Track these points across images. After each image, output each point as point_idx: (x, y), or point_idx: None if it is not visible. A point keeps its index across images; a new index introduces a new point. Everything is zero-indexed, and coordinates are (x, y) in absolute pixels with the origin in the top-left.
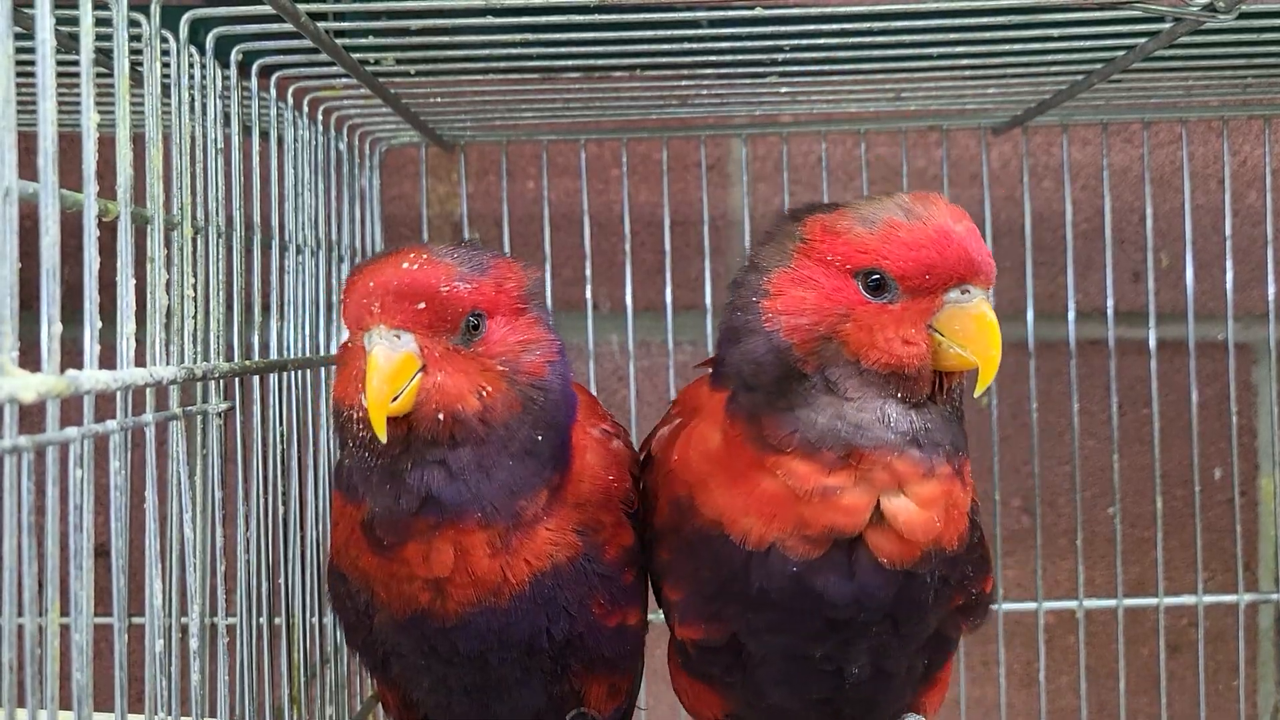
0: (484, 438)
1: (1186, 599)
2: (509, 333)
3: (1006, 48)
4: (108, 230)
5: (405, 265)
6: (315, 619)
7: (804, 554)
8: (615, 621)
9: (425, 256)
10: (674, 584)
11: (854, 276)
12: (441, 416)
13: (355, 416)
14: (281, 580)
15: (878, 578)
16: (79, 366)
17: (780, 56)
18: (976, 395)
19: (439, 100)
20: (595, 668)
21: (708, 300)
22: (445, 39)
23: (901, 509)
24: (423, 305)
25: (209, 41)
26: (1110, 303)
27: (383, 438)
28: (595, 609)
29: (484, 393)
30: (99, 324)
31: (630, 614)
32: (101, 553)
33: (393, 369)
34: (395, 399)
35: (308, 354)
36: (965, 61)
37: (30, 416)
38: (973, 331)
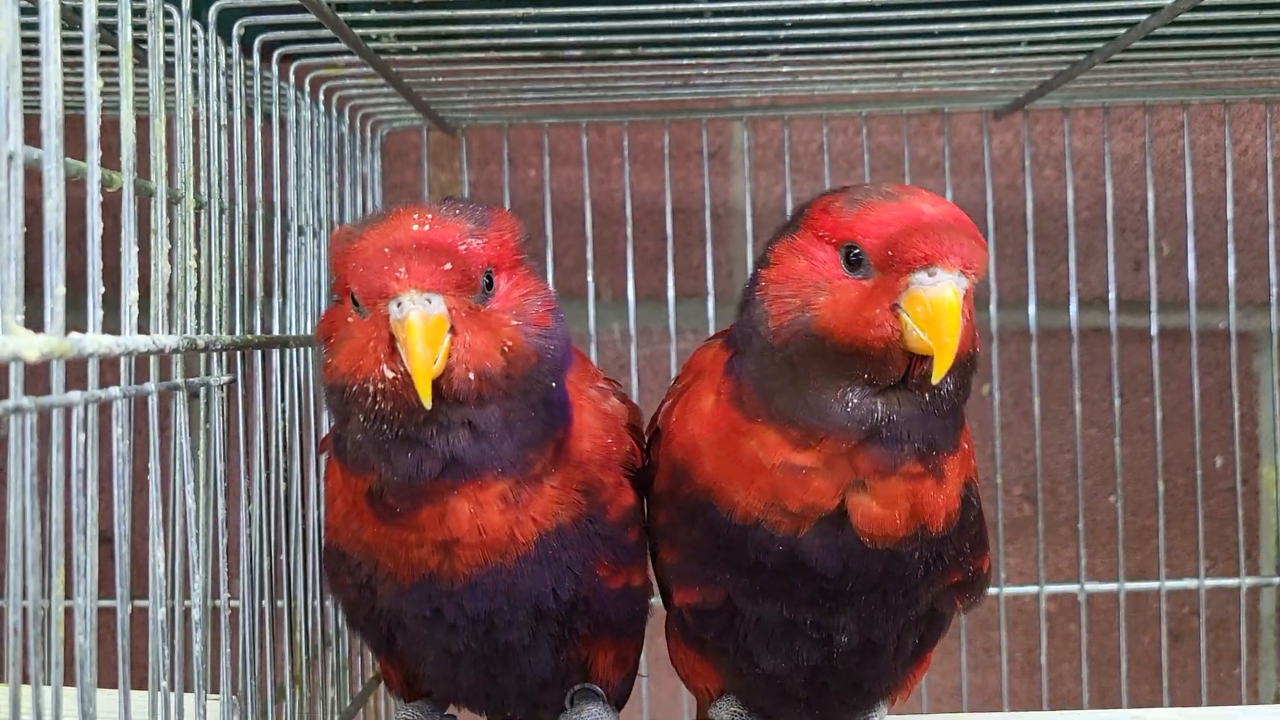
0: (509, 392)
1: (1188, 582)
2: (513, 286)
3: (1008, 24)
4: (111, 209)
5: (416, 227)
6: (317, 601)
7: (789, 530)
8: (620, 582)
9: (431, 215)
10: (670, 547)
11: (837, 251)
12: (472, 376)
13: (373, 389)
14: (284, 559)
15: (861, 555)
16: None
17: (782, 34)
18: (934, 382)
19: (440, 80)
20: (601, 632)
21: (709, 288)
22: (447, 13)
23: (862, 504)
24: (449, 265)
25: (211, 15)
26: (1112, 291)
27: (428, 404)
28: (600, 570)
29: (506, 348)
30: (102, 289)
31: (634, 574)
32: (105, 540)
33: (431, 333)
34: (435, 361)
35: (310, 333)
36: (967, 39)
37: (38, 387)
38: (929, 315)
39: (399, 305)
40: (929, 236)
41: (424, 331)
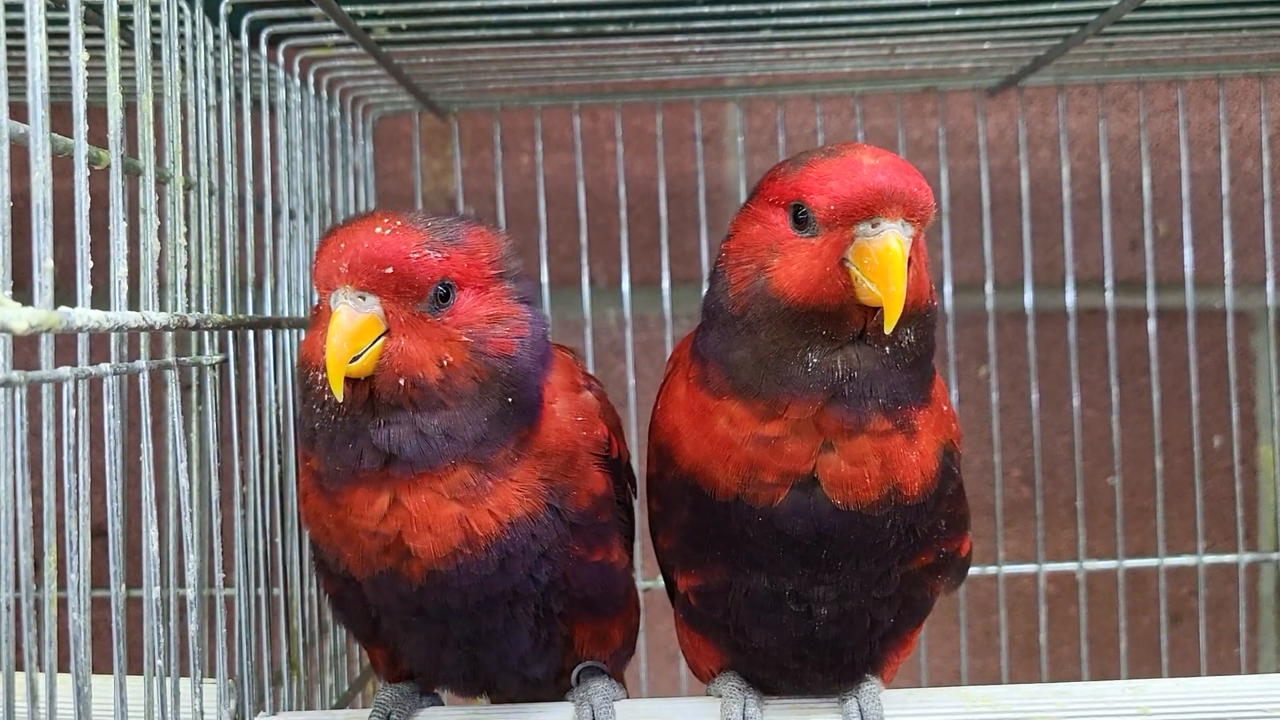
0: (445, 404)
1: (1187, 559)
2: (477, 305)
3: None
4: (100, 201)
5: (378, 230)
6: (313, 588)
7: (767, 500)
8: (599, 557)
9: (399, 222)
10: (666, 533)
11: (786, 211)
12: (402, 381)
13: (319, 376)
14: (279, 542)
15: (833, 517)
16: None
17: (773, 8)
18: (887, 332)
19: (431, 61)
20: (578, 609)
21: (704, 273)
22: None
23: (831, 464)
24: (390, 270)
25: None
26: (1108, 271)
27: (339, 396)
28: (575, 548)
29: (446, 362)
30: (90, 263)
31: (613, 550)
32: (99, 534)
33: (354, 329)
34: (355, 360)
35: (301, 315)
36: (959, 12)
37: (31, 365)
38: (874, 265)
39: (334, 298)
40: (869, 188)
41: (345, 327)
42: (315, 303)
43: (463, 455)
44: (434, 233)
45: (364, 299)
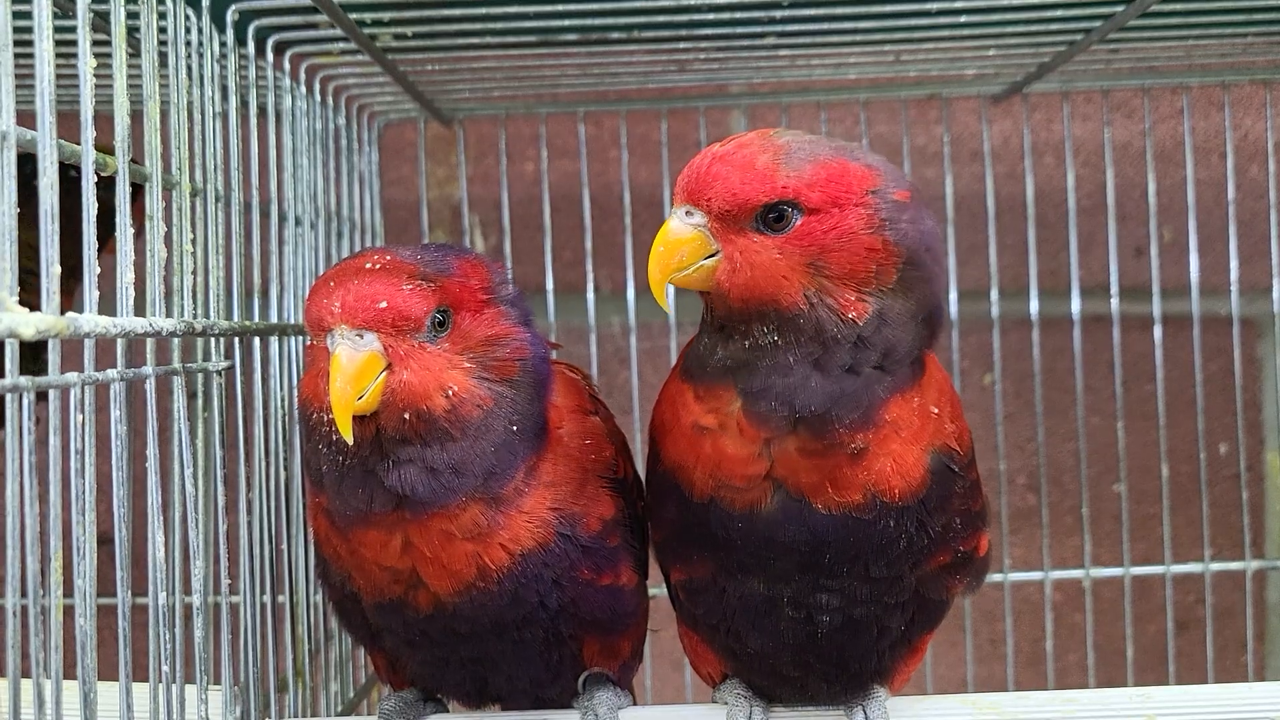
0: (452, 435)
1: (1193, 566)
2: (474, 327)
3: (1006, 2)
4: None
5: (368, 266)
6: (318, 596)
7: (745, 504)
8: (608, 580)
9: (389, 257)
10: (655, 526)
11: None
12: (408, 416)
13: (324, 418)
14: (285, 548)
15: (825, 522)
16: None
17: (778, 15)
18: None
19: (436, 69)
20: (587, 629)
21: None
22: None
23: (789, 474)
24: (384, 304)
25: (205, 1)
26: (1114, 278)
27: (349, 439)
28: (585, 573)
29: (451, 391)
30: (98, 269)
31: (621, 573)
32: (104, 541)
33: (356, 369)
34: (360, 398)
35: None
36: (964, 19)
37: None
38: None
39: (331, 339)
40: (685, 179)
41: (346, 368)
42: (308, 342)
43: (473, 492)
44: (424, 264)
45: (361, 337)
